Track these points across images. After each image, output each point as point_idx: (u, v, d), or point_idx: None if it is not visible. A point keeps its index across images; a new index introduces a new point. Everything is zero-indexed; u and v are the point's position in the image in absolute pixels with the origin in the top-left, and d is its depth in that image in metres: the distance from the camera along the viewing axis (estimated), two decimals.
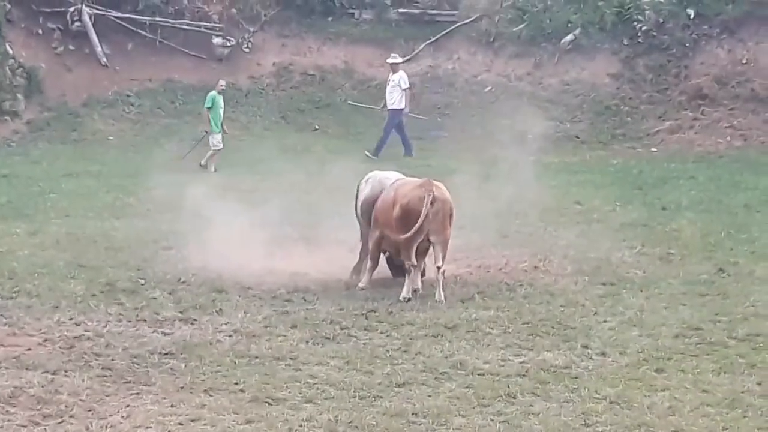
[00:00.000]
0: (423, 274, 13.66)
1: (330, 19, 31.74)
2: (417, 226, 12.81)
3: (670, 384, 10.18)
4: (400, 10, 31.76)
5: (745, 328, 11.91)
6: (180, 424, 9.22)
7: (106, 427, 9.13)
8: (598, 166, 24.77)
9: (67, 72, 29.29)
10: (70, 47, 29.69)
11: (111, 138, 27.89)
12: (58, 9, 29.77)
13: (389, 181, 13.95)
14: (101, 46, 29.70)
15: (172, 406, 9.58)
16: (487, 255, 15.14)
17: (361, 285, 13.68)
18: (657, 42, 29.02)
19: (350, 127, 28.73)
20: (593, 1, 29.94)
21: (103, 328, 11.84)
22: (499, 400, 9.75)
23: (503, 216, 17.17)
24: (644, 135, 27.58)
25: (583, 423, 9.27)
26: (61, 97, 28.63)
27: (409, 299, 12.94)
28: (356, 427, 9.16)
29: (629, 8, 29.36)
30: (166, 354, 10.96)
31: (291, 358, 10.89)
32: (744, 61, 28.30)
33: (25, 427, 9.13)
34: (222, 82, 25.74)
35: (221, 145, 24.68)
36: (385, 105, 26.68)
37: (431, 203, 12.86)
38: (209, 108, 24.83)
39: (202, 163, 24.16)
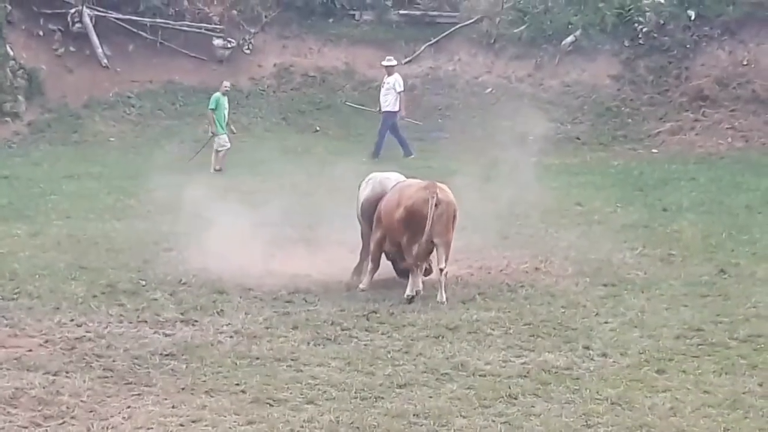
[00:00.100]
0: (427, 273, 13.66)
1: (331, 20, 31.76)
2: (427, 231, 12.80)
3: (671, 385, 10.18)
4: (401, 12, 31.78)
5: (747, 329, 11.91)
6: (181, 425, 9.22)
7: (108, 428, 9.12)
8: (598, 167, 24.77)
9: (67, 73, 29.31)
10: (71, 49, 29.72)
11: (112, 139, 27.90)
12: (59, 10, 29.80)
13: (390, 182, 13.95)
14: (102, 48, 29.72)
15: (173, 407, 9.57)
16: (488, 256, 15.14)
17: (362, 286, 13.68)
18: (658, 43, 29.03)
19: (351, 129, 28.75)
20: (594, 3, 29.96)
21: (105, 330, 11.84)
22: (500, 401, 9.75)
23: (504, 217, 17.18)
24: (645, 136, 27.59)
25: (585, 424, 9.26)
26: (62, 98, 28.65)
27: (412, 297, 12.94)
28: (357, 428, 9.16)
29: (630, 10, 29.37)
30: (167, 355, 10.95)
31: (292, 359, 10.89)
32: (745, 63, 28.32)
33: (26, 428, 9.13)
34: (226, 83, 25.76)
35: (228, 145, 24.71)
36: (380, 108, 26.70)
37: (435, 205, 12.87)
38: (213, 109, 24.83)
39: (217, 168, 24.12)
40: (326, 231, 16.02)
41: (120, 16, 30.28)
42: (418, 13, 31.76)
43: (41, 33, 29.58)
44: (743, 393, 9.94)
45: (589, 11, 29.87)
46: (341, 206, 15.84)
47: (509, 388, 10.05)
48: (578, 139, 27.78)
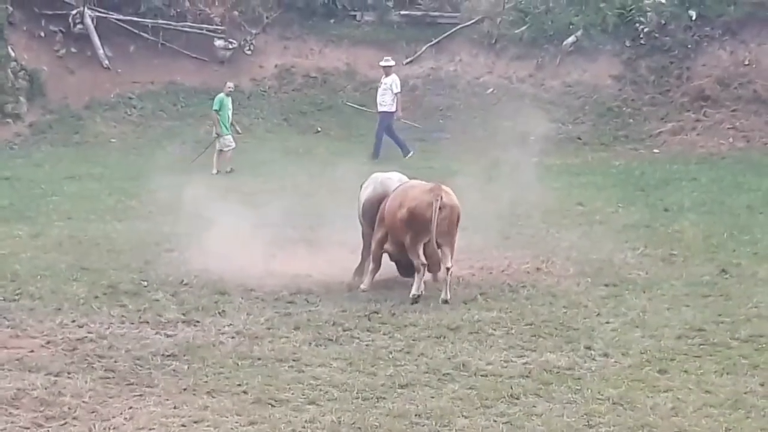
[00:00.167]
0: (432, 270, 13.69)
1: (332, 21, 31.76)
2: (432, 234, 12.80)
3: (673, 385, 10.18)
4: (402, 12, 31.78)
5: (748, 329, 11.91)
6: (183, 425, 9.22)
7: (109, 428, 9.13)
8: (600, 167, 24.76)
9: (69, 74, 29.32)
10: (72, 50, 29.73)
11: (113, 140, 27.90)
12: (60, 12, 29.81)
13: (392, 182, 13.96)
14: (103, 49, 29.72)
15: (175, 407, 9.58)
16: (489, 256, 15.15)
17: (363, 287, 13.69)
18: (659, 43, 29.01)
19: (352, 130, 28.73)
20: (595, 3, 29.94)
21: (106, 330, 11.85)
22: (502, 401, 9.75)
23: (505, 217, 17.18)
24: (646, 136, 27.58)
25: (586, 424, 9.27)
26: (63, 99, 28.66)
27: (418, 297, 12.94)
28: (359, 428, 9.16)
29: (631, 10, 29.35)
30: (168, 356, 10.96)
31: (294, 360, 10.89)
32: (746, 63, 28.30)
33: (27, 429, 9.14)
34: (230, 84, 25.77)
35: (234, 144, 24.73)
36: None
37: (440, 209, 12.88)
38: (218, 110, 24.84)
39: (227, 170, 24.10)
40: (327, 232, 16.02)
41: (121, 17, 30.28)
42: (419, 13, 31.75)
43: (42, 34, 29.59)
44: (745, 393, 9.94)
45: (591, 11, 29.86)
46: (342, 207, 15.84)
47: (511, 388, 10.05)
48: (579, 139, 27.77)
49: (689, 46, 28.81)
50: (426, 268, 13.21)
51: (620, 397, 9.81)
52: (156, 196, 19.40)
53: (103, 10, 30.11)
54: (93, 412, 9.45)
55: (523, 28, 30.28)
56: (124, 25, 30.26)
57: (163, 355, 10.98)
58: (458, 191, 13.73)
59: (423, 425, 9.23)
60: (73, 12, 29.72)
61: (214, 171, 24.17)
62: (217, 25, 30.83)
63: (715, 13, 28.87)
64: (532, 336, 11.74)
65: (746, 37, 28.68)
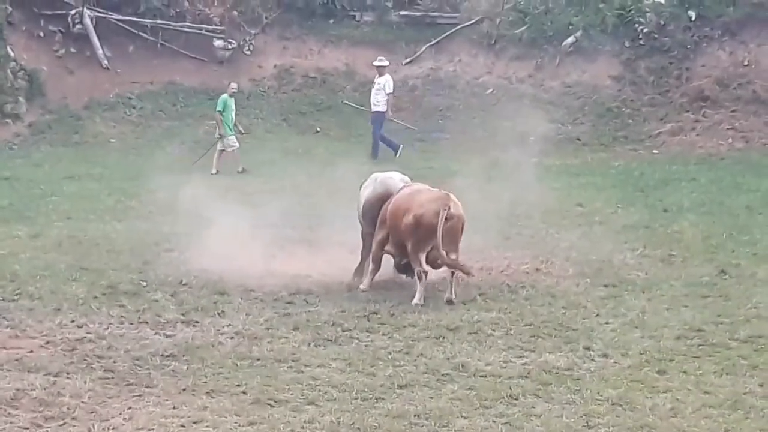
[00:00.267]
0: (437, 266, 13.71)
1: (331, 21, 31.77)
2: (438, 244, 12.79)
3: (672, 385, 10.18)
4: (402, 13, 31.78)
5: (747, 329, 11.91)
6: (182, 426, 9.22)
7: (108, 429, 9.13)
8: (599, 168, 24.77)
9: (68, 75, 29.32)
10: (72, 50, 29.73)
11: (112, 140, 27.90)
12: (60, 12, 29.81)
13: (393, 181, 13.93)
14: (102, 49, 29.72)
15: (174, 408, 9.58)
16: (488, 257, 15.14)
17: (362, 287, 13.68)
18: (658, 44, 29.02)
19: (351, 130, 28.73)
20: (594, 4, 29.95)
21: (105, 331, 11.85)
22: (501, 402, 9.75)
23: (505, 218, 17.18)
24: (646, 137, 27.58)
25: (585, 425, 9.27)
26: (63, 99, 28.66)
27: (421, 305, 12.91)
28: (358, 428, 9.16)
29: (630, 10, 29.36)
30: (168, 356, 10.96)
31: (293, 360, 10.89)
32: (745, 63, 28.31)
33: (27, 429, 9.14)
34: (233, 85, 25.78)
35: (237, 145, 24.71)
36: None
37: (446, 219, 12.86)
38: (221, 111, 24.82)
39: (239, 170, 24.06)
40: (327, 232, 16.02)
41: (120, 17, 30.28)
42: (418, 14, 31.75)
43: (42, 34, 29.59)
44: (744, 394, 9.94)
45: (590, 12, 29.86)
46: (342, 207, 15.84)
47: (510, 388, 10.05)
48: (579, 139, 27.77)
49: (688, 46, 28.81)
50: (427, 276, 13.18)
51: (619, 397, 9.82)
52: (155, 196, 19.40)
53: (102, 10, 30.11)
54: (92, 413, 9.45)
55: (523, 28, 30.28)
56: (124, 25, 30.26)
57: (162, 355, 10.98)
58: (458, 191, 13.74)
59: (422, 426, 9.23)
60: (73, 12, 29.72)
61: (214, 171, 24.17)
62: (216, 25, 30.83)
63: (715, 14, 28.88)
64: (531, 336, 11.74)
65: (745, 37, 28.69)
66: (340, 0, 31.78)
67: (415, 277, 13.25)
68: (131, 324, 12.14)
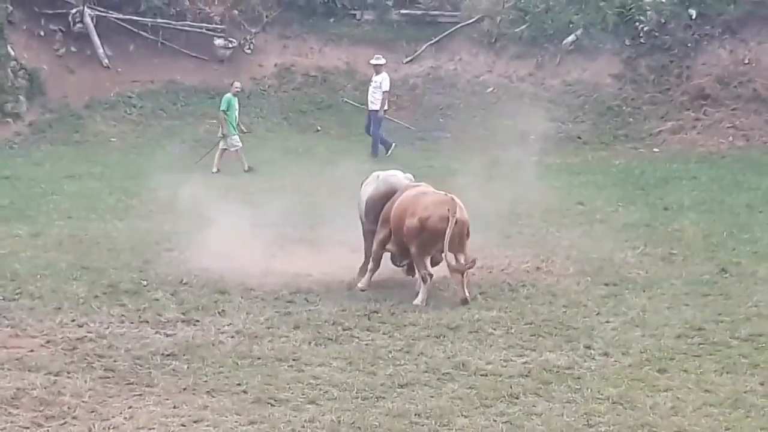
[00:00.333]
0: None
1: (332, 20, 31.74)
2: (446, 248, 12.76)
3: (672, 384, 10.18)
4: (402, 11, 31.74)
5: (748, 328, 11.91)
6: (183, 425, 9.23)
7: (109, 428, 9.14)
8: (600, 166, 24.76)
9: (69, 74, 29.30)
10: (72, 49, 29.70)
11: (113, 139, 27.89)
12: (60, 11, 29.78)
13: (396, 179, 13.91)
14: (103, 48, 29.70)
15: (174, 407, 9.58)
16: (489, 255, 15.13)
17: (360, 286, 13.67)
18: (659, 42, 28.99)
19: (352, 128, 28.69)
20: (595, 2, 29.92)
21: (106, 330, 11.85)
22: (501, 401, 9.76)
23: (505, 216, 17.18)
24: (646, 135, 27.56)
25: (586, 423, 9.27)
26: (63, 98, 28.64)
27: (424, 306, 12.91)
28: (359, 428, 9.16)
29: (631, 9, 29.34)
30: (168, 355, 10.97)
31: (293, 359, 10.90)
32: (746, 61, 28.28)
33: (27, 428, 9.15)
34: (237, 84, 25.76)
35: (240, 144, 24.67)
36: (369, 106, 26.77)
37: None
38: (225, 110, 24.80)
39: (245, 168, 24.03)
40: (327, 231, 16.02)
41: (121, 16, 30.26)
42: (419, 12, 31.73)
43: (42, 33, 29.57)
44: (745, 392, 9.95)
45: (590, 10, 29.83)
46: (342, 206, 15.83)
47: (510, 387, 10.06)
48: (579, 138, 27.75)
49: (689, 44, 28.79)
50: (432, 279, 13.16)
51: (620, 396, 9.82)
52: (156, 195, 19.40)
53: (102, 9, 30.08)
54: (92, 412, 9.45)
55: (523, 27, 30.26)
56: (124, 24, 30.23)
57: (162, 354, 10.98)
58: (458, 190, 13.74)
59: (423, 424, 9.23)
60: (73, 11, 29.69)
61: (215, 170, 24.16)
62: (216, 24, 30.80)
63: (715, 12, 28.85)
64: (531, 335, 11.74)
65: (746, 35, 28.67)
66: None
67: (419, 278, 13.23)
68: (132, 323, 12.15)
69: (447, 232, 12.74)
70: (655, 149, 26.86)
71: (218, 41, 30.66)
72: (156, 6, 30.31)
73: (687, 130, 27.43)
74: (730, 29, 28.76)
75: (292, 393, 9.94)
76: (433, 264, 13.22)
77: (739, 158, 25.22)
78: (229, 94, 25.14)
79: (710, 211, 18.85)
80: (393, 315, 12.50)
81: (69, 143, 27.37)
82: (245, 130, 25.39)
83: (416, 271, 13.36)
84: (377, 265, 13.79)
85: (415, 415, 9.40)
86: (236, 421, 9.30)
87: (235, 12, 31.08)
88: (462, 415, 9.42)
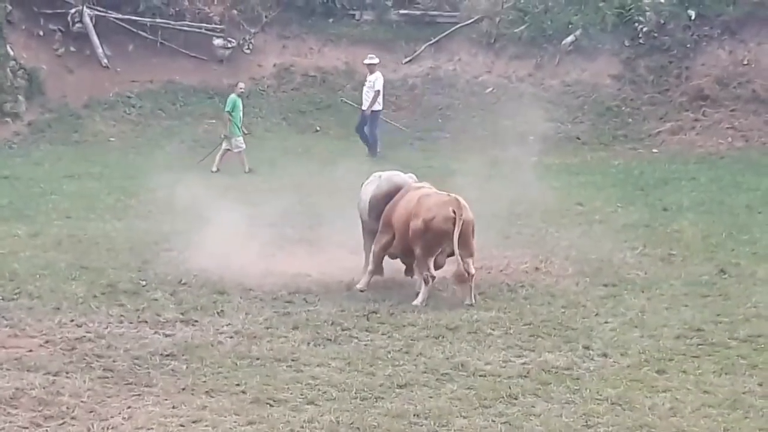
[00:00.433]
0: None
1: (331, 20, 31.74)
2: (455, 248, 12.71)
3: (671, 385, 10.18)
4: (401, 12, 31.74)
5: (747, 329, 11.91)
6: (181, 425, 9.22)
7: (108, 428, 9.13)
8: (599, 167, 24.76)
9: (68, 73, 29.29)
10: (71, 49, 29.70)
11: (112, 139, 27.89)
12: (59, 11, 29.78)
13: (399, 177, 13.88)
14: (102, 48, 29.70)
15: (173, 407, 9.58)
16: (488, 256, 15.12)
17: (359, 286, 13.65)
18: (658, 43, 29.00)
19: (351, 129, 28.63)
20: (594, 3, 29.93)
21: (105, 330, 11.85)
22: (500, 402, 9.75)
23: (505, 217, 17.18)
24: (645, 136, 27.57)
25: (585, 424, 9.27)
26: (62, 98, 28.64)
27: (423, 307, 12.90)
28: (357, 428, 9.16)
29: (630, 9, 29.34)
30: (167, 355, 10.96)
31: (292, 360, 10.89)
32: (745, 62, 28.29)
33: (26, 428, 9.14)
34: (241, 85, 25.76)
35: (244, 146, 24.64)
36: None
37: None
38: (230, 111, 24.77)
39: (246, 170, 24.00)
40: (326, 231, 16.01)
41: (120, 16, 30.25)
42: (418, 12, 31.72)
43: (41, 33, 29.56)
44: (743, 393, 9.95)
45: (590, 11, 29.84)
46: (342, 206, 15.83)
47: (509, 388, 10.05)
48: (579, 138, 27.75)
49: (688, 45, 28.80)
50: (434, 281, 13.14)
51: (619, 397, 9.82)
52: (155, 195, 19.40)
53: (102, 9, 30.08)
54: (91, 412, 9.45)
55: (522, 27, 30.26)
56: (123, 24, 30.23)
57: (161, 354, 10.98)
58: (457, 190, 13.72)
59: (421, 425, 9.23)
60: (72, 11, 29.69)
61: (214, 169, 24.15)
62: (216, 24, 30.80)
63: (715, 13, 28.86)
64: (530, 336, 11.74)
65: (745, 36, 28.68)
66: None
67: (421, 280, 13.21)
68: (131, 323, 12.15)
69: (455, 233, 12.71)
70: (655, 150, 26.86)
71: (217, 41, 30.66)
72: (155, 6, 30.30)
73: (686, 131, 27.44)
74: (729, 30, 28.76)
75: (290, 393, 9.93)
76: (437, 267, 13.19)
77: (739, 159, 25.22)
78: (233, 95, 25.12)
79: (709, 211, 18.85)
80: (392, 315, 12.50)
81: (68, 143, 27.36)
82: (245, 132, 25.38)
83: (418, 272, 13.33)
84: (376, 267, 13.75)
85: (414, 415, 9.40)
86: (235, 422, 9.30)
87: (234, 12, 31.08)
88: (461, 416, 9.42)
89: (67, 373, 10.38)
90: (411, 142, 27.33)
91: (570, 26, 29.75)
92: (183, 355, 10.97)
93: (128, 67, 29.80)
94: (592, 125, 28.21)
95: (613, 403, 9.68)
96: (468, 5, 31.48)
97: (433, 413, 9.43)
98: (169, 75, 29.97)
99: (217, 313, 12.55)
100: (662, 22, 29.10)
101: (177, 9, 30.59)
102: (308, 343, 11.43)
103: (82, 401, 9.65)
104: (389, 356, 11.03)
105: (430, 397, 9.87)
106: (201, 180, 19.15)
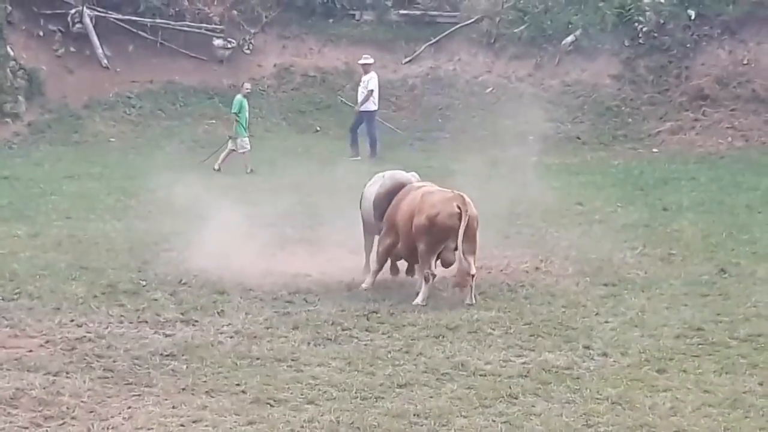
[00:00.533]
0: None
1: (331, 20, 31.76)
2: (460, 245, 12.70)
3: (671, 384, 10.17)
4: (401, 12, 31.78)
5: (747, 328, 11.91)
6: (181, 425, 9.22)
7: (108, 428, 9.12)
8: (599, 167, 24.77)
9: (68, 74, 29.32)
10: (71, 49, 29.73)
11: (112, 140, 27.91)
12: (59, 11, 29.82)
13: (402, 175, 13.88)
14: (102, 48, 29.73)
15: (173, 407, 9.57)
16: (488, 256, 15.11)
17: (364, 286, 13.65)
18: (658, 43, 29.02)
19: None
20: (594, 3, 29.95)
21: (105, 330, 11.84)
22: (500, 401, 9.75)
23: (505, 217, 17.17)
24: (645, 136, 27.59)
25: (585, 424, 9.26)
26: (62, 99, 28.66)
27: (423, 306, 12.89)
28: (358, 428, 9.15)
29: (630, 9, 29.37)
30: (167, 355, 10.95)
31: (292, 360, 10.88)
32: (745, 62, 28.31)
33: (26, 428, 9.13)
34: (247, 85, 25.79)
35: (249, 147, 24.63)
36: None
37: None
38: (237, 113, 24.76)
39: (248, 171, 23.99)
40: (326, 231, 16.01)
41: (120, 16, 30.28)
42: (418, 12, 31.75)
43: (41, 33, 29.59)
44: (744, 392, 9.94)
45: (589, 11, 29.86)
46: (341, 206, 15.83)
47: (510, 387, 10.05)
48: (578, 138, 27.78)
49: (688, 45, 28.82)
50: (434, 279, 13.14)
51: (619, 396, 9.81)
52: (155, 196, 19.40)
53: (102, 10, 30.11)
54: (91, 412, 9.44)
55: (522, 27, 30.29)
56: (123, 25, 30.26)
57: (161, 354, 10.97)
58: (457, 190, 13.71)
59: (421, 425, 9.22)
60: (72, 11, 29.72)
61: (216, 167, 24.15)
62: (215, 24, 30.83)
63: (714, 12, 28.88)
64: (530, 335, 11.73)
65: (745, 36, 28.70)
66: None
67: (421, 278, 13.21)
68: (131, 323, 12.14)
69: (460, 229, 12.69)
70: (654, 150, 26.88)
71: (217, 41, 30.69)
72: (155, 6, 30.34)
73: (686, 131, 27.46)
74: (729, 30, 28.79)
75: (290, 393, 9.93)
76: (446, 265, 13.15)
77: (738, 159, 25.24)
78: (239, 96, 25.13)
79: (709, 211, 18.86)
80: (392, 315, 12.49)
81: (68, 143, 27.39)
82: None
83: (419, 270, 13.32)
84: (381, 267, 13.76)
85: (414, 415, 9.39)
86: (235, 422, 9.29)
87: (234, 12, 31.12)
88: (461, 416, 9.42)
89: (67, 373, 10.37)
90: (411, 143, 27.37)
91: (570, 26, 29.78)
92: (183, 355, 10.96)
93: (128, 67, 29.83)
94: (591, 125, 28.23)
95: (613, 403, 9.68)
96: (468, 5, 31.51)
97: (433, 413, 9.42)
98: (169, 75, 30.00)
99: (217, 313, 12.55)
100: (662, 21, 29.13)
101: (177, 9, 30.63)
102: (308, 343, 11.43)
103: (82, 401, 9.64)
104: (389, 356, 11.03)
105: (431, 397, 9.86)
106: (201, 180, 19.16)
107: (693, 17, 28.93)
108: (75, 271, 14.35)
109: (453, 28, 31.17)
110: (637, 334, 11.75)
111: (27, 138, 27.38)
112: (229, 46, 30.71)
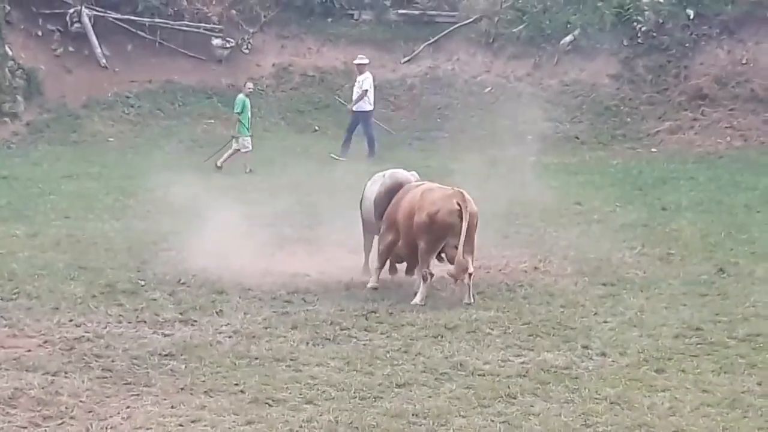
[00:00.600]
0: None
1: (329, 20, 31.75)
2: (461, 241, 12.70)
3: (670, 384, 10.18)
4: (400, 11, 31.77)
5: (746, 328, 11.91)
6: (180, 425, 9.22)
7: (107, 428, 9.12)
8: (598, 166, 24.77)
9: (66, 73, 29.30)
10: (70, 49, 29.71)
11: (111, 139, 27.89)
12: (58, 11, 29.79)
13: (401, 174, 13.88)
14: (101, 48, 29.71)
15: (172, 407, 9.57)
16: (487, 255, 15.12)
17: (370, 285, 13.64)
18: (656, 42, 29.02)
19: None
20: (593, 2, 29.94)
21: (103, 330, 11.84)
22: (499, 401, 9.75)
23: (503, 216, 17.16)
24: (644, 135, 27.59)
25: (584, 423, 9.26)
26: (61, 98, 28.65)
27: (422, 306, 12.88)
28: (356, 428, 9.15)
29: (629, 9, 29.36)
30: (166, 355, 10.95)
31: (291, 359, 10.88)
32: (744, 62, 28.31)
33: (25, 428, 9.13)
34: (249, 85, 25.77)
35: (251, 147, 24.60)
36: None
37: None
38: (239, 113, 24.73)
39: (247, 170, 23.97)
40: (325, 231, 16.02)
41: (119, 16, 30.26)
42: (416, 12, 31.74)
43: (40, 33, 29.58)
44: (742, 392, 9.94)
45: (588, 10, 29.86)
46: (340, 206, 15.83)
47: (508, 387, 10.05)
48: (577, 138, 27.78)
49: (687, 45, 28.81)
50: (432, 278, 13.12)
51: (618, 396, 9.81)
52: (153, 195, 19.40)
53: (100, 9, 30.09)
54: (90, 412, 9.44)
55: (521, 27, 30.28)
56: (122, 24, 30.24)
57: (160, 354, 10.97)
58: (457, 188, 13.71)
59: (420, 425, 9.23)
60: (71, 11, 29.70)
61: (219, 164, 24.13)
62: (214, 23, 30.81)
63: (713, 12, 28.88)
64: (529, 335, 11.73)
65: (744, 36, 28.69)
66: None
67: (419, 277, 13.20)
68: (129, 323, 12.14)
69: (462, 226, 12.67)
70: (653, 149, 26.88)
71: (216, 41, 30.67)
72: (154, 6, 30.32)
73: (685, 130, 27.46)
74: (727, 29, 28.78)
75: (289, 393, 9.93)
76: (453, 261, 13.11)
77: (737, 158, 25.24)
78: (242, 95, 25.10)
79: (708, 211, 18.86)
80: (391, 315, 12.49)
81: (66, 143, 27.37)
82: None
83: (418, 269, 13.31)
84: (383, 264, 13.76)
85: (413, 415, 9.39)
86: (234, 421, 9.29)
87: (233, 12, 31.10)
88: (460, 415, 9.42)
89: (65, 373, 10.37)
90: (410, 142, 27.36)
91: (568, 26, 29.77)
92: (182, 355, 10.96)
93: (127, 67, 29.81)
94: (590, 125, 28.23)
95: (611, 403, 9.68)
96: (466, 5, 31.50)
97: (431, 412, 9.42)
98: (168, 75, 29.98)
99: (216, 312, 12.54)
100: (661, 21, 29.12)
101: (175, 9, 30.61)
102: (307, 343, 11.43)
103: (80, 401, 9.64)
104: (388, 356, 11.03)
105: (429, 397, 9.86)
106: (199, 180, 19.15)
107: (692, 17, 28.93)
108: (73, 270, 14.34)
109: (452, 28, 31.17)
110: (636, 334, 11.75)
111: (25, 138, 27.36)
112: (228, 45, 30.70)
